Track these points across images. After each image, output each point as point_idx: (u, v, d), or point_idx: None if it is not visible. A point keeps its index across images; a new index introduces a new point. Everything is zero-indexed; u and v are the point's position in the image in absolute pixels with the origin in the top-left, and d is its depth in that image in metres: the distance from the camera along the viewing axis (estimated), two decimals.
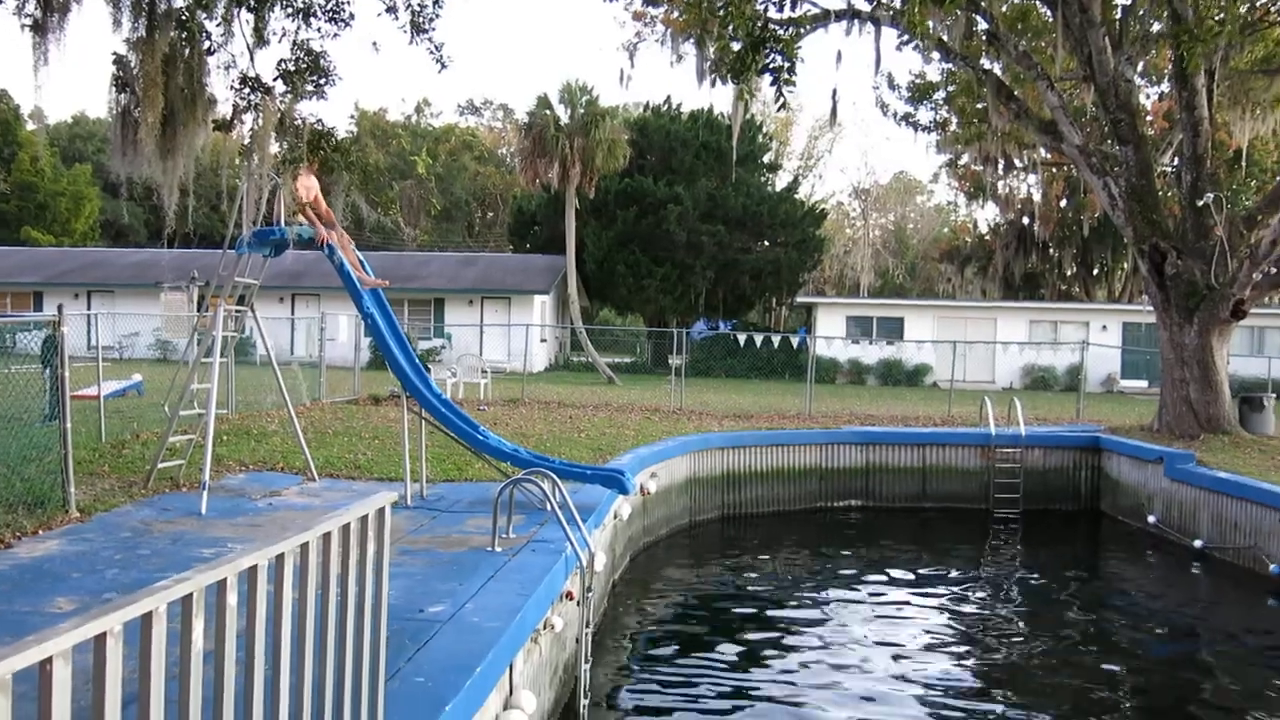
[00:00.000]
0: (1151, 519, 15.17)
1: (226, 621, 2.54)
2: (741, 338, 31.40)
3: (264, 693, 2.76)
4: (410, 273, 37.78)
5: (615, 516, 11.06)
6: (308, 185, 9.55)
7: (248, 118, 8.66)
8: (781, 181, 48.82)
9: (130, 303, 34.18)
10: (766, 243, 42.69)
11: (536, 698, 6.15)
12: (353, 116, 64.54)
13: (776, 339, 28.98)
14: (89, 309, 33.61)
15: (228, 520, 8.58)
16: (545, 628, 6.82)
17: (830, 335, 34.39)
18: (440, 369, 22.80)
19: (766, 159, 46.64)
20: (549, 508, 8.05)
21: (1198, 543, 13.84)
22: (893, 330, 36.83)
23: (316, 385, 19.33)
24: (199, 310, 22.67)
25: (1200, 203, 17.56)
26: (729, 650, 9.38)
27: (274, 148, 8.54)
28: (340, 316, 25.82)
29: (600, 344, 37.48)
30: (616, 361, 36.67)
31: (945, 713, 7.92)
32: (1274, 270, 17.08)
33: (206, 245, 44.75)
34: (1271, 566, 12.13)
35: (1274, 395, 18.86)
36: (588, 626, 7.51)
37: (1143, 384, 33.67)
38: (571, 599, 7.66)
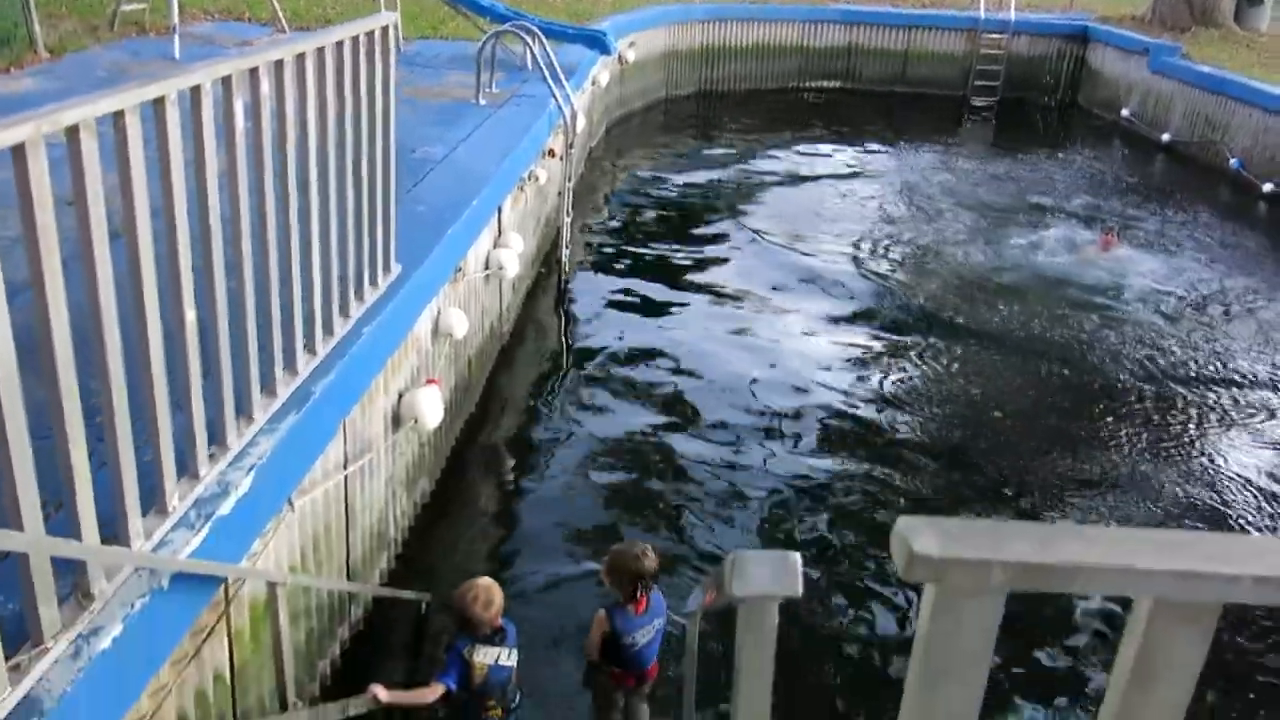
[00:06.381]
0: (1125, 112, 15.25)
1: (263, 106, 2.64)
2: None
3: (296, 184, 2.92)
4: None
5: (594, 83, 10.96)
6: None
7: None
8: None
9: None
10: None
11: (523, 240, 6.46)
12: None
13: None
14: None
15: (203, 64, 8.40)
16: (530, 178, 7.02)
17: None
18: None
19: None
20: (531, 64, 7.96)
21: (1165, 136, 14.06)
22: None
23: None
24: None
25: None
26: (694, 217, 9.77)
27: None
28: None
29: None
30: None
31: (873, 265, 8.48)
32: None
33: None
34: (1232, 160, 12.45)
35: None
36: (569, 181, 7.71)
37: None
38: (554, 156, 7.81)
